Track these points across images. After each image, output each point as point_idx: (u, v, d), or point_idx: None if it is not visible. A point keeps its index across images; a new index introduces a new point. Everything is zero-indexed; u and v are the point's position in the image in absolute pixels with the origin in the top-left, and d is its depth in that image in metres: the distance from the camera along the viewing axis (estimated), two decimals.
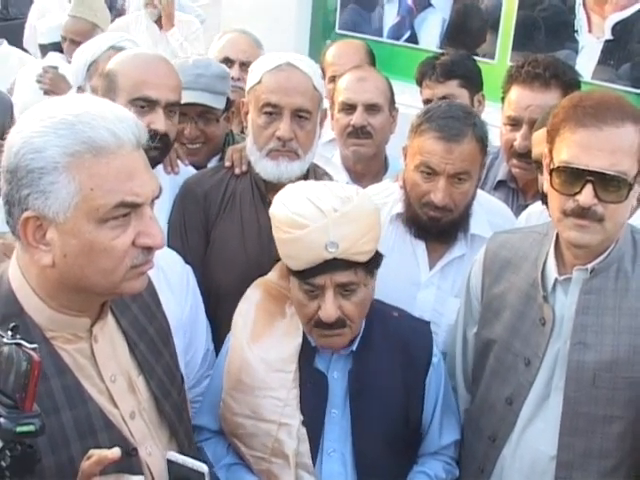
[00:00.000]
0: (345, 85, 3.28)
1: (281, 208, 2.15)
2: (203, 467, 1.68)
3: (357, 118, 3.21)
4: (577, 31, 4.41)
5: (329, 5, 5.44)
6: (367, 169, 3.32)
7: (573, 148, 1.99)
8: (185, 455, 1.73)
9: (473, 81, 3.56)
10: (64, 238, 1.51)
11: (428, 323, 2.42)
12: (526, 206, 2.99)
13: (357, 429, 2.24)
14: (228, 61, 3.77)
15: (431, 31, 5.00)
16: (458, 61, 3.55)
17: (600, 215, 2.00)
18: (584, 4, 4.36)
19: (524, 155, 2.95)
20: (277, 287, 2.35)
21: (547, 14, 4.54)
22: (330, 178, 2.80)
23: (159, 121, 2.55)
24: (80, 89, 2.97)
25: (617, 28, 4.26)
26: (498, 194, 3.15)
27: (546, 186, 2.11)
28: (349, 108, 3.24)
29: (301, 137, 2.61)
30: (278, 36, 4.94)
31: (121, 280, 1.57)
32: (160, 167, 2.72)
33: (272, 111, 2.60)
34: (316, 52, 4.76)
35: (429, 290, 2.67)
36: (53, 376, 1.57)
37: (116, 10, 6.73)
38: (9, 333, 1.35)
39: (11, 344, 1.34)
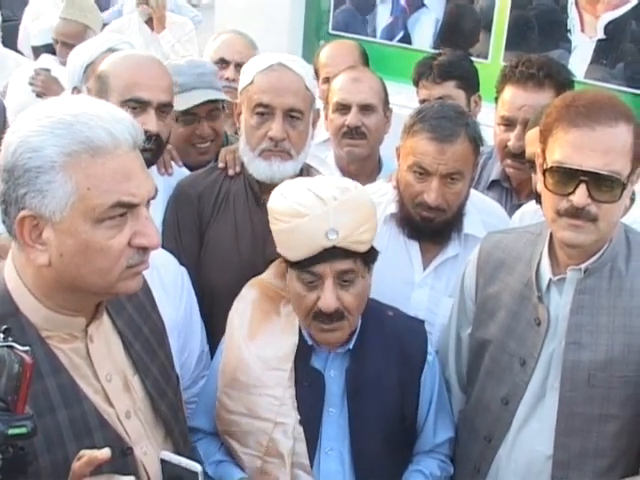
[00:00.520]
0: (339, 85, 3.28)
1: (280, 199, 2.16)
2: (197, 467, 1.68)
3: (352, 118, 3.21)
4: (570, 30, 4.41)
5: (322, 6, 5.44)
6: (361, 169, 3.31)
7: (566, 148, 1.99)
8: (180, 455, 1.73)
9: (470, 82, 3.55)
10: (60, 237, 1.51)
11: (423, 322, 2.43)
12: (520, 206, 2.98)
13: (355, 427, 2.24)
14: (223, 62, 3.79)
15: (424, 31, 5.00)
16: (455, 62, 3.54)
17: (594, 215, 2.00)
18: (576, 4, 4.36)
19: (518, 155, 2.95)
20: (272, 286, 2.35)
21: (540, 14, 4.55)
22: None
23: (151, 122, 2.54)
24: (76, 89, 2.97)
25: (610, 27, 4.27)
26: (492, 194, 3.15)
27: (539, 186, 2.12)
28: (343, 108, 3.24)
29: (293, 137, 2.62)
30: (271, 37, 4.94)
31: (117, 280, 1.58)
32: (154, 168, 2.71)
33: (264, 111, 2.60)
34: (309, 53, 4.77)
35: (423, 290, 2.68)
36: (48, 375, 1.57)
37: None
38: (1, 336, 1.35)
39: (3, 346, 1.34)
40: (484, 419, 2.34)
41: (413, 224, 2.62)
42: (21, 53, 6.10)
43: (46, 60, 4.91)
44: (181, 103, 2.93)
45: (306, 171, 2.76)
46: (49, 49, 5.01)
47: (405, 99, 3.88)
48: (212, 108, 3.12)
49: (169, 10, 6.10)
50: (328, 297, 2.10)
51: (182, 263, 2.54)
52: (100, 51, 3.12)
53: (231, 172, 2.78)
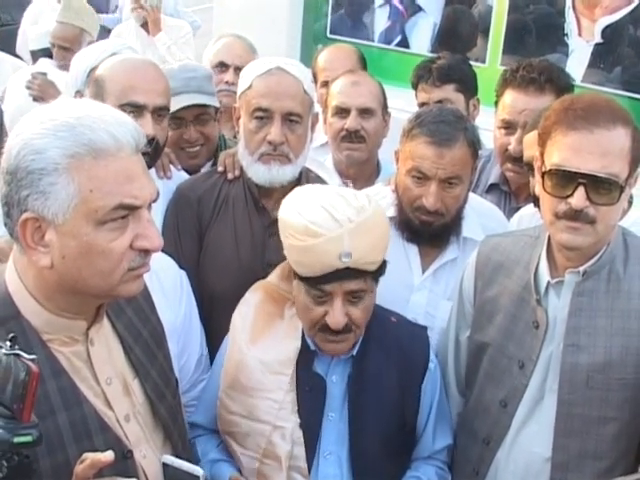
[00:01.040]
0: (339, 89, 3.28)
1: (294, 215, 2.13)
2: (199, 470, 1.68)
3: (351, 122, 3.21)
4: (567, 34, 4.42)
5: (320, 10, 5.44)
6: (360, 173, 3.32)
7: (564, 151, 2.00)
8: (180, 458, 1.73)
9: (469, 85, 3.56)
10: (63, 239, 1.52)
11: (425, 328, 2.43)
12: (518, 209, 2.99)
13: (355, 432, 2.24)
14: (223, 65, 3.79)
15: (422, 35, 5.00)
16: (455, 65, 3.54)
17: (592, 217, 2.00)
18: (574, 8, 4.36)
19: (519, 159, 2.94)
20: (277, 289, 2.35)
21: (537, 18, 4.55)
22: (323, 182, 2.80)
23: (147, 126, 2.53)
24: (79, 93, 2.97)
25: (607, 31, 4.27)
26: (490, 197, 3.16)
27: (538, 189, 2.12)
28: (342, 112, 3.24)
29: (292, 141, 2.62)
30: (269, 41, 4.93)
31: (118, 282, 1.58)
32: (153, 172, 2.71)
33: (263, 115, 2.60)
34: (308, 57, 4.76)
35: (422, 293, 2.68)
36: (49, 378, 1.57)
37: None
38: (7, 344, 1.35)
39: (9, 355, 1.34)
40: (483, 421, 2.34)
41: (412, 228, 2.62)
42: (20, 57, 6.10)
43: (43, 64, 4.91)
44: None
45: (305, 175, 2.76)
46: (47, 53, 5.01)
47: (403, 103, 3.88)
48: (200, 112, 3.10)
49: (168, 15, 6.12)
50: (337, 315, 2.10)
51: (182, 267, 2.54)
52: (104, 56, 3.12)
53: (230, 176, 2.77)
